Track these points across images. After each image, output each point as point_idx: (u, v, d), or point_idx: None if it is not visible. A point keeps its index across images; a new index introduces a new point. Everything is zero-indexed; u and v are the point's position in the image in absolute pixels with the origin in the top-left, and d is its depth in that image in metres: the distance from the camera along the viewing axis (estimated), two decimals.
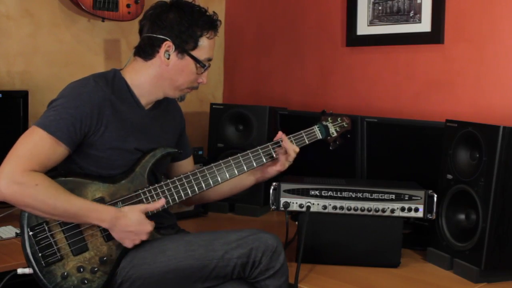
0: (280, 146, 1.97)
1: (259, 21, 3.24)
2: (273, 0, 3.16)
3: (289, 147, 1.96)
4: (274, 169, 2.00)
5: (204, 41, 1.85)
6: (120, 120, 1.81)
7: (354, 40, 2.80)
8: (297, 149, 1.99)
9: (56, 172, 1.76)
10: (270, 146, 1.97)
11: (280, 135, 1.99)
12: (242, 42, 3.33)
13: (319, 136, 2.06)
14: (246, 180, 2.05)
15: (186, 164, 2.11)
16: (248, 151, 1.95)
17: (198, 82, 1.91)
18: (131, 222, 1.72)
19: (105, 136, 1.78)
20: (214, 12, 1.90)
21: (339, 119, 2.10)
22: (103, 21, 2.76)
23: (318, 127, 2.06)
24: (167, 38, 1.82)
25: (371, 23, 2.73)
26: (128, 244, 1.74)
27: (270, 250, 1.72)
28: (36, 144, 1.69)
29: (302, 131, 2.02)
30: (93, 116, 1.75)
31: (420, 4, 2.56)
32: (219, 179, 1.89)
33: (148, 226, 1.75)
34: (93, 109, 1.75)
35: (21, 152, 1.68)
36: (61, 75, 2.73)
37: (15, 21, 2.62)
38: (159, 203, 1.79)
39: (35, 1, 2.67)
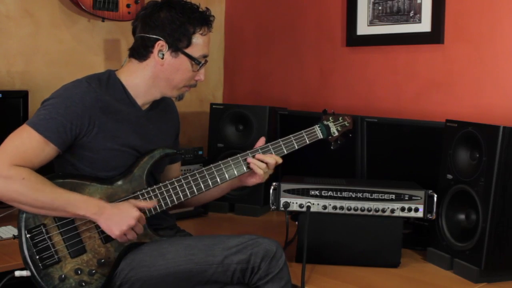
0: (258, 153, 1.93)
1: (259, 21, 3.24)
2: (273, 0, 3.16)
3: (255, 164, 1.91)
4: (252, 181, 1.97)
5: (197, 38, 1.84)
6: (115, 120, 1.80)
7: (354, 40, 2.80)
8: (279, 160, 1.94)
9: (54, 174, 1.77)
10: (249, 154, 1.93)
11: (261, 142, 1.97)
12: (242, 42, 3.33)
13: (320, 135, 2.04)
14: (224, 185, 1.99)
15: (174, 169, 2.11)
16: (248, 151, 1.94)
17: (196, 79, 1.90)
18: (117, 209, 1.71)
19: (99, 137, 1.77)
20: (206, 8, 1.89)
21: (340, 118, 2.09)
22: (103, 21, 2.76)
23: (319, 127, 2.04)
24: (160, 38, 1.81)
25: (371, 23, 2.73)
26: (116, 231, 1.70)
27: (269, 255, 1.72)
28: (23, 142, 1.69)
29: (302, 131, 2.01)
30: (84, 117, 1.74)
31: (420, 4, 2.56)
32: (218, 179, 1.89)
33: (135, 211, 1.72)
34: (84, 110, 1.74)
35: (8, 149, 1.68)
36: (61, 75, 2.73)
37: (15, 21, 2.62)
38: (151, 203, 1.78)
39: (35, 1, 2.67)
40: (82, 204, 1.69)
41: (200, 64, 1.86)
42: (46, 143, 1.70)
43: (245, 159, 1.92)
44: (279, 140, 1.97)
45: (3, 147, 1.69)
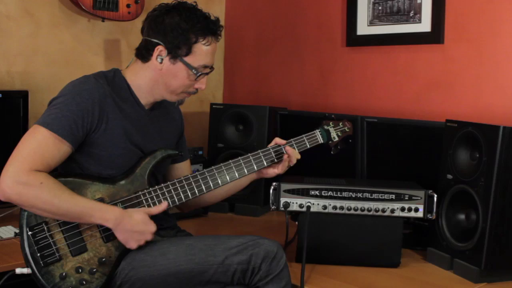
0: (281, 152, 1.96)
1: (259, 22, 3.24)
2: (273, 0, 3.16)
3: (292, 154, 1.96)
4: (274, 171, 1.98)
5: (199, 48, 1.82)
6: (121, 117, 1.81)
7: (354, 40, 2.80)
8: (299, 156, 1.98)
9: (56, 173, 1.76)
10: (271, 149, 1.96)
11: (279, 141, 1.99)
12: (242, 43, 3.33)
13: (321, 140, 2.05)
14: (242, 180, 2.01)
15: (183, 167, 2.10)
16: (249, 154, 1.94)
17: (196, 87, 1.88)
18: (136, 222, 1.72)
19: (107, 133, 1.78)
20: (217, 17, 1.87)
21: (340, 123, 2.10)
22: (103, 21, 2.76)
23: (319, 131, 2.05)
24: (160, 43, 1.81)
25: (371, 23, 2.73)
26: (133, 245, 1.73)
27: (270, 256, 1.72)
28: (40, 144, 1.69)
29: (303, 135, 2.02)
30: (94, 112, 1.75)
31: (420, 4, 2.56)
32: (219, 181, 1.89)
33: (153, 226, 1.75)
34: (94, 106, 1.75)
35: (25, 152, 1.67)
36: (61, 75, 2.73)
37: (15, 21, 2.62)
38: (162, 206, 1.79)
39: (35, 1, 2.67)
40: (98, 213, 1.69)
41: (198, 74, 1.85)
42: (61, 142, 1.71)
43: (246, 163, 1.92)
44: (281, 145, 1.98)
45: (20, 152, 1.68)
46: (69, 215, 1.69)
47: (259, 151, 1.95)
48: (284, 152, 1.97)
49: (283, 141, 1.99)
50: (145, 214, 1.75)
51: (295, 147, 1.99)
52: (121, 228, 1.71)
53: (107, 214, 1.70)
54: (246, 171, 1.93)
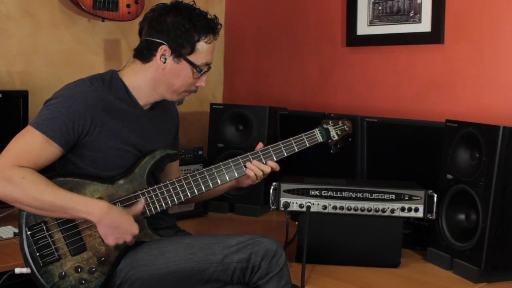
0: (257, 156, 1.95)
1: (259, 21, 3.24)
2: (273, 0, 3.16)
3: (252, 170, 1.92)
4: (247, 182, 1.98)
5: (201, 46, 1.83)
6: (117, 119, 1.81)
7: (354, 40, 2.80)
8: (276, 168, 1.95)
9: (55, 173, 1.77)
10: (250, 156, 1.94)
11: (259, 146, 1.98)
12: (242, 42, 3.33)
13: (320, 139, 2.04)
14: (223, 185, 1.99)
15: (173, 166, 2.11)
16: (248, 153, 1.94)
17: (197, 85, 1.90)
18: (120, 219, 1.72)
19: (101, 137, 1.78)
20: (215, 15, 1.88)
21: (340, 122, 2.09)
22: (103, 21, 2.76)
23: (319, 130, 2.04)
24: (164, 42, 1.81)
25: (371, 23, 2.73)
26: (111, 241, 1.72)
27: (269, 255, 1.72)
28: (27, 142, 1.70)
29: (302, 134, 2.01)
30: (86, 116, 1.74)
31: (420, 4, 2.56)
32: (218, 181, 1.89)
33: (136, 228, 1.74)
34: (86, 110, 1.74)
35: (12, 150, 1.69)
36: (61, 75, 2.73)
37: (15, 21, 2.62)
38: (139, 206, 1.78)
39: (35, 1, 2.67)
40: (83, 206, 1.69)
41: (201, 72, 1.86)
42: (49, 143, 1.71)
43: (245, 162, 1.92)
44: (279, 143, 1.98)
45: (7, 149, 1.70)
46: (54, 209, 1.68)
47: (258, 150, 1.95)
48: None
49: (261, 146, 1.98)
50: (130, 214, 1.75)
51: (273, 154, 1.94)
52: (104, 223, 1.70)
53: (91, 208, 1.69)
54: (245, 170, 1.92)
